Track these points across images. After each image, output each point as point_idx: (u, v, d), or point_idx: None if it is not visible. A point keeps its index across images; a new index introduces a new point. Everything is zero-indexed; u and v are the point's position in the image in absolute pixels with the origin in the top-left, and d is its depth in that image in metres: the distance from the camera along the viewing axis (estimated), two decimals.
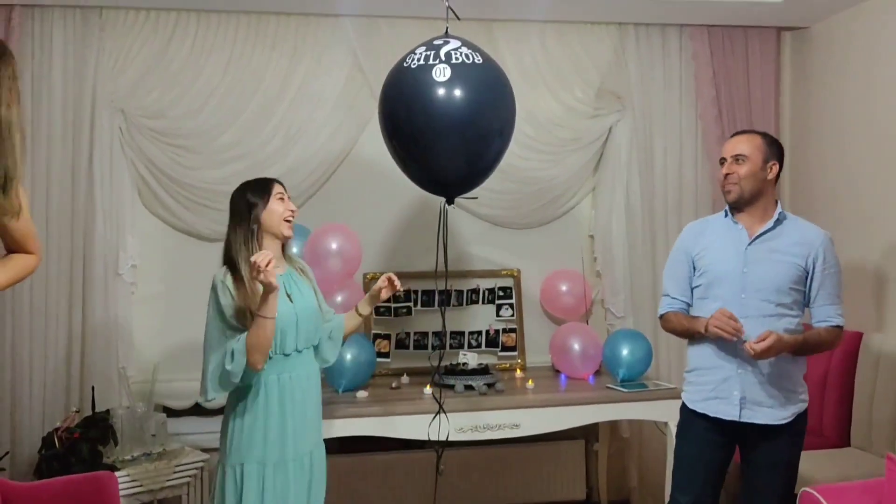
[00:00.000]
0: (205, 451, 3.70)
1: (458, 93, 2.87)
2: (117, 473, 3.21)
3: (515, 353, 4.22)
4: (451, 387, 3.57)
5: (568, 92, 4.25)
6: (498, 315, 4.26)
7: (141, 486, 3.36)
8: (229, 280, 2.55)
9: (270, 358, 2.57)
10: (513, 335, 4.24)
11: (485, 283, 4.28)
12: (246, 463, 2.56)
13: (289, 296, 2.64)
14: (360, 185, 4.16)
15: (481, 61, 2.96)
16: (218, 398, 2.57)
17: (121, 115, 3.86)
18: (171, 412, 3.92)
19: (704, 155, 4.28)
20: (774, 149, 2.76)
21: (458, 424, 3.37)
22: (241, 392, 2.59)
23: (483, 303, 4.27)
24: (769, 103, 4.36)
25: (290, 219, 2.68)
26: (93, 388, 3.66)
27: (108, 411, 3.55)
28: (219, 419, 4.01)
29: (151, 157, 3.90)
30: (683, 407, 2.86)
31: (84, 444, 3.33)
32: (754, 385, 2.66)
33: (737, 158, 2.72)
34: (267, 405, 2.58)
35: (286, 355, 2.62)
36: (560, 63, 4.23)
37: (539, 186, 4.24)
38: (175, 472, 3.48)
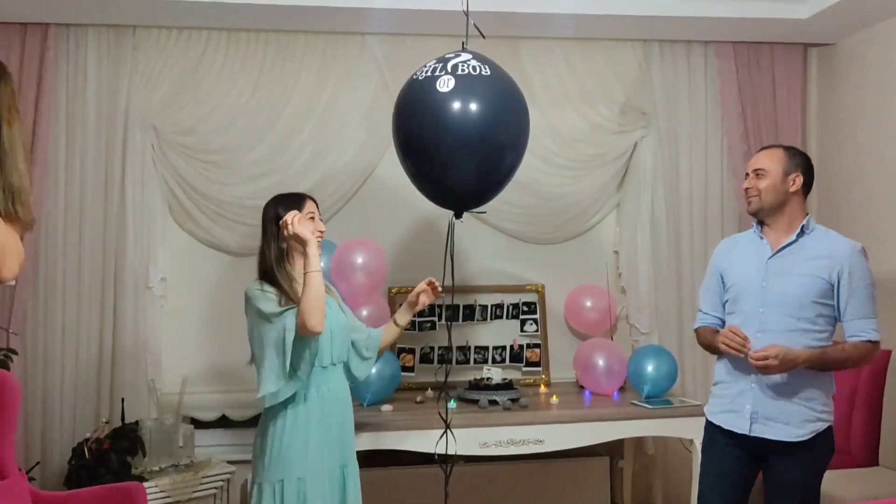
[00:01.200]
0: (231, 463, 3.74)
1: (460, 103, 2.82)
2: (145, 484, 3.25)
3: (539, 369, 4.23)
4: (476, 401, 3.59)
5: (592, 108, 4.26)
6: (522, 330, 4.26)
7: (168, 496, 3.40)
8: (266, 286, 2.58)
9: (304, 371, 2.60)
10: (537, 350, 4.24)
11: (509, 298, 4.29)
12: (286, 479, 2.58)
13: None
14: (385, 201, 4.19)
15: (489, 73, 2.90)
16: (279, 391, 2.53)
17: (152, 132, 3.94)
18: (199, 424, 3.97)
19: (730, 171, 4.26)
20: (797, 160, 2.74)
21: (482, 439, 3.39)
22: (280, 409, 2.61)
23: (507, 318, 4.28)
24: (795, 119, 4.34)
25: (319, 238, 2.70)
26: (122, 399, 3.72)
27: (136, 422, 3.60)
28: (245, 431, 4.10)
29: (182, 173, 3.97)
30: (707, 420, 2.86)
31: (113, 454, 3.38)
32: (767, 400, 2.63)
33: (757, 173, 2.74)
34: (308, 419, 2.61)
35: (324, 368, 2.66)
36: (584, 79, 4.25)
37: (563, 202, 4.25)
38: (202, 484, 3.52)
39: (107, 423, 3.65)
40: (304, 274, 2.51)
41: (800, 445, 2.62)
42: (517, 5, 3.76)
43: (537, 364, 4.22)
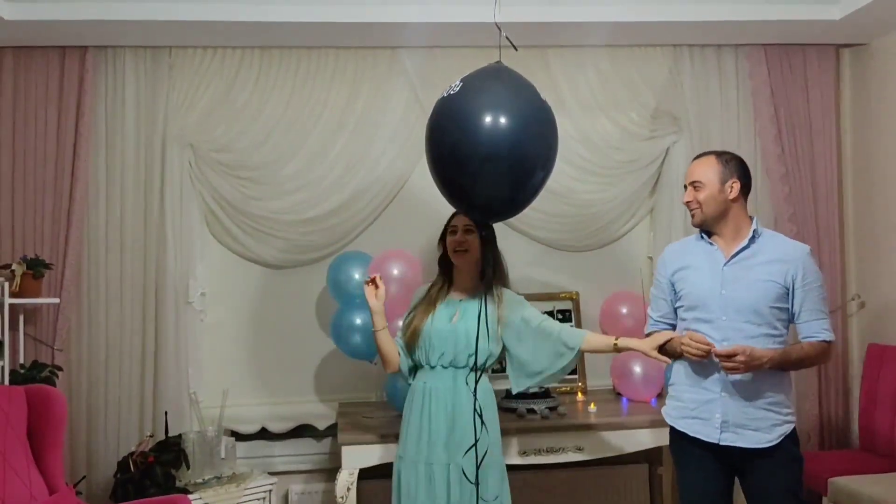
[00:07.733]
0: (273, 474, 3.78)
1: (428, 133, 2.82)
2: (190, 496, 3.30)
3: (576, 376, 4.22)
4: (513, 410, 3.59)
5: (623, 114, 4.26)
6: None
7: None
8: (436, 279, 3.14)
9: (422, 367, 2.99)
10: None
11: (543, 306, 4.28)
12: (401, 456, 2.95)
13: (451, 318, 2.92)
14: (418, 212, 4.21)
15: (456, 91, 2.72)
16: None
17: (190, 150, 4.01)
18: (240, 436, 4.01)
19: (763, 174, 4.22)
20: (732, 166, 2.71)
21: (522, 448, 3.39)
22: (406, 392, 3.04)
23: None
24: (829, 121, 4.30)
25: (458, 249, 3.00)
26: (165, 412, 3.78)
27: (180, 435, 3.65)
28: (285, 443, 4.15)
29: (219, 189, 4.03)
30: (671, 428, 2.79)
31: (158, 467, 3.43)
32: (737, 408, 2.59)
33: (694, 185, 2.71)
34: (412, 407, 2.95)
35: (432, 367, 2.94)
36: (615, 86, 4.25)
37: (597, 209, 4.25)
38: (245, 495, 3.56)
39: (151, 436, 3.71)
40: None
41: (771, 451, 2.58)
42: (549, 15, 3.77)
43: (573, 372, 4.22)
